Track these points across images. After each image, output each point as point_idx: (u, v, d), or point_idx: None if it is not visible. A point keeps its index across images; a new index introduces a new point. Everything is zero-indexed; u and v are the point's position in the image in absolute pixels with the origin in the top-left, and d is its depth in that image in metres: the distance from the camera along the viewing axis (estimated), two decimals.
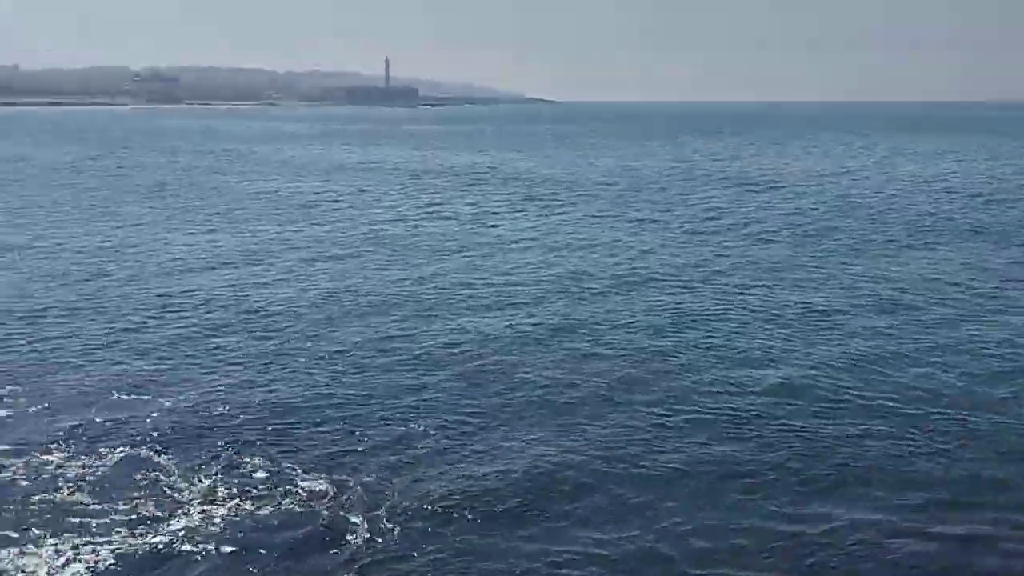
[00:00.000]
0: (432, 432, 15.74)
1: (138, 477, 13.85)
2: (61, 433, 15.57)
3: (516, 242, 35.97)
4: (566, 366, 19.42)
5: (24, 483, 13.59)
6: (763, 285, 27.69)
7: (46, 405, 16.93)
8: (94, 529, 12.17)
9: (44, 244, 34.81)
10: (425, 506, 12.89)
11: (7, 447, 14.88)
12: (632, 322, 23.10)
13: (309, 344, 21.12)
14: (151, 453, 14.73)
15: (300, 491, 13.40)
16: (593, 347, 20.83)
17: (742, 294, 26.47)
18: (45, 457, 14.50)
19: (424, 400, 17.34)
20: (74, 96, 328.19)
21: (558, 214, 44.95)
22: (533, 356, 20.12)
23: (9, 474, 13.90)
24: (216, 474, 13.99)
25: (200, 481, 13.70)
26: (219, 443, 15.20)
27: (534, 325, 22.78)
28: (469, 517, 12.65)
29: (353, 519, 12.50)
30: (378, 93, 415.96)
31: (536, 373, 18.91)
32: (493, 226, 40.75)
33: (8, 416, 16.37)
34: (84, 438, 15.34)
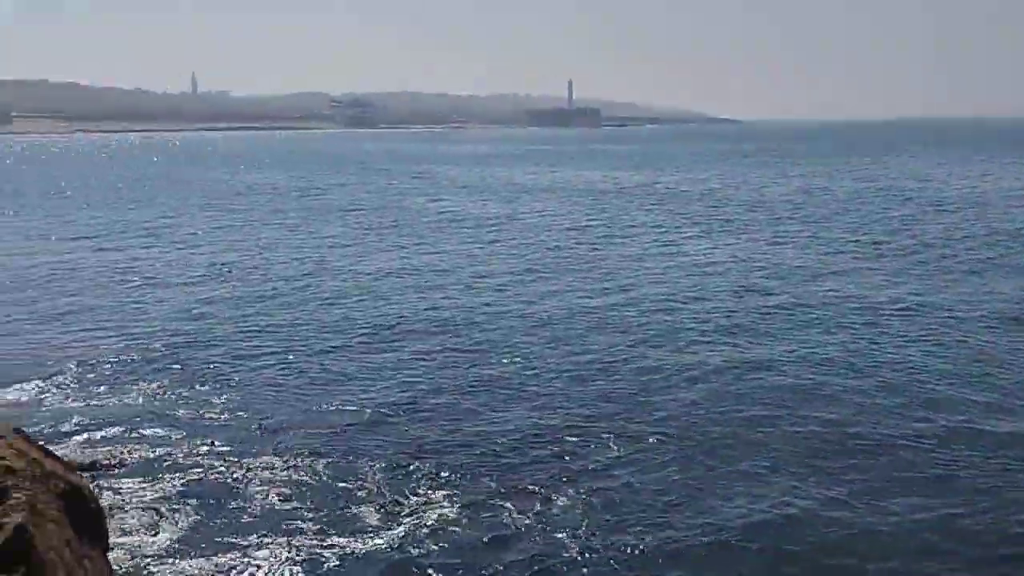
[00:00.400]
0: (642, 462, 15.50)
1: (349, 485, 14.52)
2: (274, 441, 16.52)
3: (705, 265, 35.41)
4: (779, 404, 18.29)
5: (242, 487, 14.47)
6: (991, 318, 25.38)
7: (259, 414, 18.00)
8: (308, 533, 12.82)
9: (253, 263, 37.11)
10: (647, 542, 12.62)
11: (225, 448, 15.99)
12: (839, 356, 21.80)
13: (504, 360, 21.56)
14: (360, 464, 15.39)
15: (505, 508, 13.70)
16: (803, 383, 19.60)
17: (962, 328, 24.41)
18: (260, 460, 15.43)
19: (631, 427, 17.09)
20: (278, 120, 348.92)
21: (745, 235, 44.02)
22: (741, 389, 19.24)
23: (228, 479, 14.83)
24: (423, 487, 14.44)
25: (409, 495, 14.15)
26: (425, 456, 15.70)
27: (738, 353, 21.95)
28: (702, 557, 12.37)
29: (557, 539, 12.67)
30: (561, 115, 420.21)
31: (749, 409, 17.98)
32: (679, 246, 40.36)
33: (227, 424, 17.52)
34: (296, 447, 16.20)
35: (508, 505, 13.72)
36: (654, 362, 21.31)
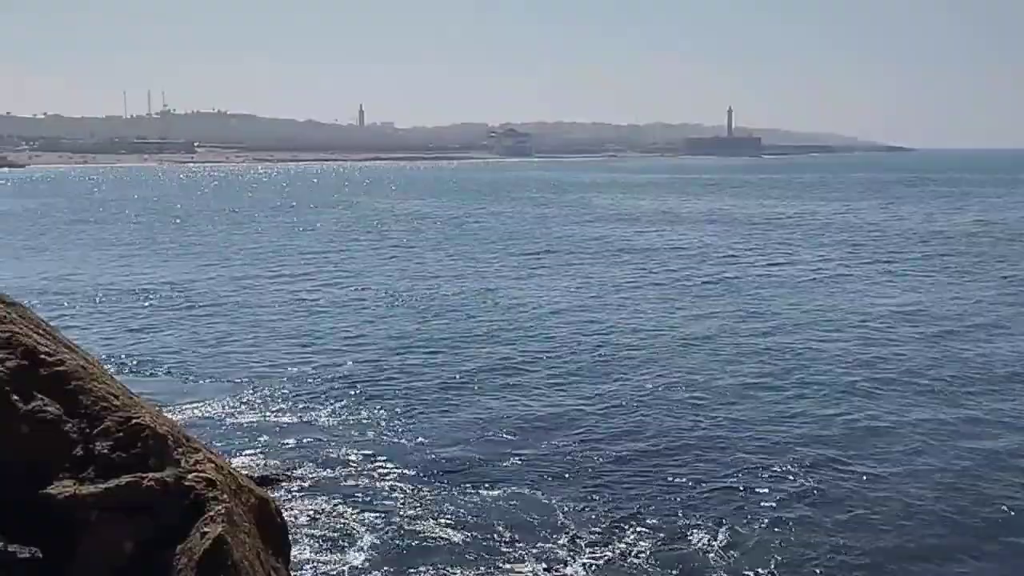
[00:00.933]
0: (819, 491, 15.21)
1: (527, 517, 14.56)
2: (449, 469, 16.77)
3: (875, 304, 33.68)
4: (988, 474, 16.50)
5: (417, 513, 14.70)
6: None
7: (434, 441, 18.30)
8: (486, 565, 12.93)
9: (420, 290, 37.99)
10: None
11: (400, 472, 16.39)
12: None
13: (677, 390, 21.57)
14: (538, 495, 15.45)
15: (687, 537, 13.64)
16: (1010, 450, 17.72)
17: None
18: (435, 487, 15.71)
19: (822, 474, 16.48)
20: (438, 151, 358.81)
21: (917, 271, 42.10)
22: (940, 449, 17.68)
23: (404, 504, 15.10)
24: (605, 517, 14.44)
25: (591, 525, 14.14)
26: (605, 486, 15.71)
27: (929, 409, 20.25)
28: None
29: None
30: (719, 143, 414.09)
31: (957, 477, 16.33)
32: (844, 283, 38.95)
33: (401, 449, 17.88)
34: (471, 475, 16.43)
35: (692, 536, 13.63)
36: (828, 411, 20.33)
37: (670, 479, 16.03)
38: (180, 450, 8.25)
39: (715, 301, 34.20)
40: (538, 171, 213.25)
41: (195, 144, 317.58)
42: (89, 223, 71.06)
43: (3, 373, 7.69)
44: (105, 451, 7.79)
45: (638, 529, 13.94)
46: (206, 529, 7.57)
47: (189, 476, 7.96)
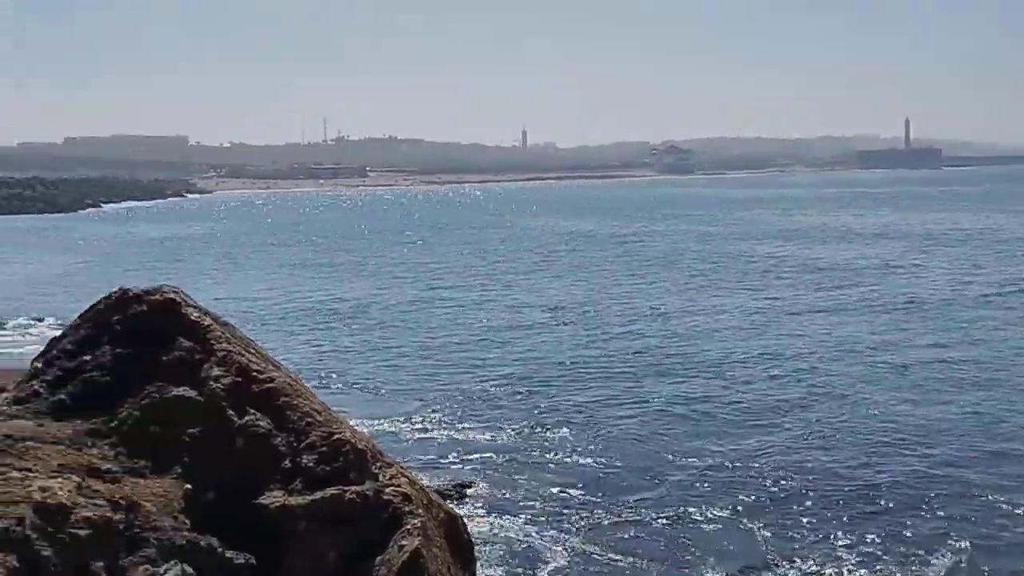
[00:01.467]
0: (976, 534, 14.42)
1: (719, 542, 14.31)
2: (624, 490, 16.66)
3: None
4: None
5: (594, 538, 14.56)
6: None
7: (607, 460, 18.24)
8: None
9: (588, 310, 37.93)
10: None
11: (578, 494, 16.34)
12: None
13: (870, 416, 20.83)
14: (721, 516, 15.22)
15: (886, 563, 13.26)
16: None
17: None
18: (617, 510, 15.64)
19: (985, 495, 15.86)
20: (599, 169, 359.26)
21: None
22: None
23: (583, 527, 14.99)
24: (803, 544, 14.12)
25: (786, 555, 13.83)
26: (796, 512, 15.36)
27: None
28: None
29: None
30: (894, 156, 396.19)
31: None
32: None
33: (580, 468, 17.88)
34: (648, 497, 16.26)
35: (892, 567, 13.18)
36: None
37: (871, 511, 15.38)
38: (377, 465, 8.57)
39: (903, 322, 32.68)
40: (701, 188, 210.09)
41: (367, 168, 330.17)
42: (269, 245, 74.88)
43: (220, 390, 8.23)
44: (310, 464, 8.19)
45: (841, 563, 13.46)
46: (403, 542, 7.83)
47: (387, 490, 8.25)
